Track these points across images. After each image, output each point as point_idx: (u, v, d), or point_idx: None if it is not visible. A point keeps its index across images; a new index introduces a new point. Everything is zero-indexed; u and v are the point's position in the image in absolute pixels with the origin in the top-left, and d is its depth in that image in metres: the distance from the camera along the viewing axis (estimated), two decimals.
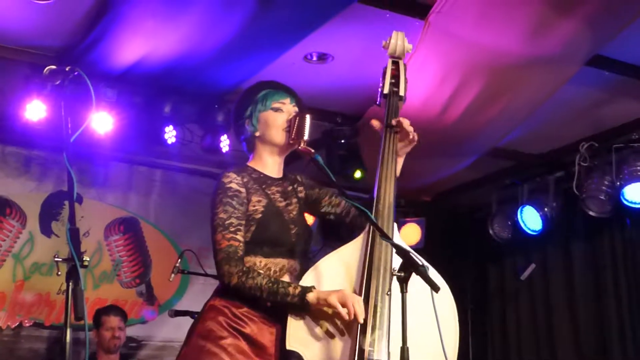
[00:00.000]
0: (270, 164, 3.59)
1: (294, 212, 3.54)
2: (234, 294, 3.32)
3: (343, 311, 3.08)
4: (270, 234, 3.40)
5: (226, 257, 3.29)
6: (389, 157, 3.53)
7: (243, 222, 3.38)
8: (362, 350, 3.09)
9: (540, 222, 7.78)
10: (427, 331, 3.10)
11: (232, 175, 3.45)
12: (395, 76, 3.75)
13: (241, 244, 3.33)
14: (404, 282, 2.87)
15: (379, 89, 3.78)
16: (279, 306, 3.28)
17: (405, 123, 3.55)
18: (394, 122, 3.58)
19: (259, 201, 3.43)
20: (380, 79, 3.80)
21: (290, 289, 3.19)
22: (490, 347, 8.95)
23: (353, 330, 3.15)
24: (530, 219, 7.84)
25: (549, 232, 7.84)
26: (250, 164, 3.60)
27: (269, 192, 3.50)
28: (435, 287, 2.84)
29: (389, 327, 3.13)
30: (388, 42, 3.82)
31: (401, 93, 3.72)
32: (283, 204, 3.52)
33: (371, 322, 3.12)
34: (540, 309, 8.35)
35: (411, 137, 3.55)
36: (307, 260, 3.52)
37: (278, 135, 3.52)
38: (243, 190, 3.43)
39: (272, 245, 3.40)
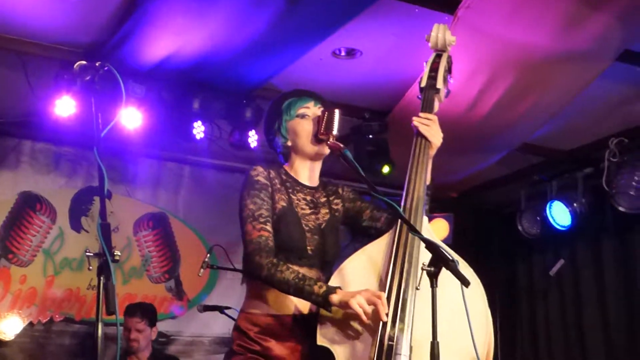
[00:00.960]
0: (303, 172, 3.61)
1: (319, 222, 3.55)
2: (245, 317, 3.42)
3: (363, 316, 3.09)
4: (281, 237, 3.41)
5: (257, 248, 3.32)
6: (420, 151, 3.52)
7: (271, 215, 3.42)
8: (383, 344, 3.11)
9: (570, 218, 7.74)
10: (455, 326, 3.10)
11: (260, 169, 3.49)
12: (435, 69, 3.73)
13: (271, 235, 3.36)
14: (433, 276, 2.86)
15: (419, 83, 3.76)
16: (290, 326, 3.36)
17: (426, 125, 3.56)
18: (422, 116, 3.58)
19: (278, 201, 3.46)
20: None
21: (316, 288, 3.19)
22: (519, 344, 8.91)
23: (378, 324, 3.16)
24: (560, 215, 7.80)
25: (578, 228, 7.79)
26: (285, 167, 3.64)
27: (293, 196, 3.52)
28: (465, 282, 2.84)
29: (412, 321, 3.13)
30: (430, 35, 3.79)
31: (438, 85, 3.68)
32: (307, 211, 3.54)
33: (392, 316, 3.14)
34: (570, 306, 8.30)
35: (431, 139, 3.54)
36: (329, 271, 3.50)
37: (307, 141, 3.53)
38: (269, 184, 3.46)
39: (285, 251, 3.41)
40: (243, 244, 3.39)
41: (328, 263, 3.49)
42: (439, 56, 3.78)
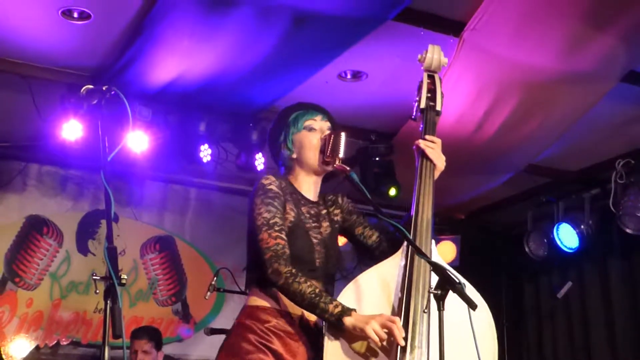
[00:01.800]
0: (306, 185, 3.59)
1: (324, 235, 3.54)
2: (254, 314, 3.37)
3: (375, 339, 3.06)
4: (293, 251, 3.37)
5: (274, 255, 3.27)
6: (426, 172, 3.51)
7: (284, 223, 3.39)
8: None
9: (577, 239, 7.72)
10: (465, 349, 3.07)
11: (272, 177, 3.47)
12: (432, 90, 3.72)
13: (286, 244, 3.32)
14: (440, 299, 2.86)
15: (415, 103, 3.75)
16: (304, 322, 3.34)
17: (436, 145, 3.56)
18: (428, 139, 3.57)
19: (289, 212, 3.44)
20: (416, 93, 3.77)
21: (330, 307, 3.15)
22: None
23: (392, 350, 3.12)
24: (567, 237, 7.78)
25: (585, 249, 7.77)
26: (290, 178, 3.61)
27: (298, 210, 3.50)
28: (472, 305, 2.82)
29: (428, 346, 3.10)
30: (424, 55, 3.77)
31: (438, 107, 3.69)
32: (311, 224, 3.52)
33: (409, 341, 3.10)
34: (577, 328, 8.27)
35: (436, 162, 3.54)
36: (333, 283, 3.51)
37: (313, 154, 3.52)
38: (281, 193, 3.44)
39: (297, 264, 3.36)
40: (259, 252, 3.32)
41: (331, 276, 3.49)
42: (431, 77, 3.77)
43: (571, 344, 8.33)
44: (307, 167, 3.56)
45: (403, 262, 3.32)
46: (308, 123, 3.56)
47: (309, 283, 3.23)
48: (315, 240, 3.48)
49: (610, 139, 6.84)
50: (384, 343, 3.12)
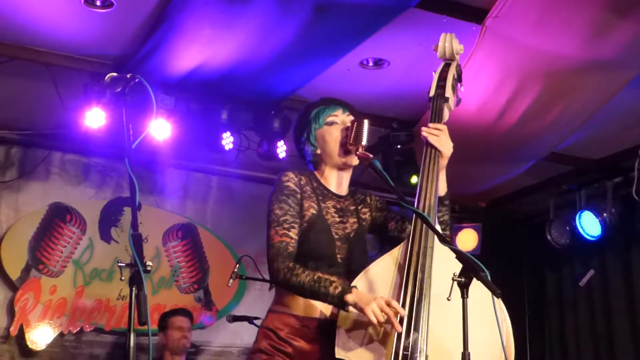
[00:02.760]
0: (333, 180, 3.62)
1: (348, 231, 3.55)
2: (275, 317, 3.43)
3: (374, 320, 3.08)
4: (312, 245, 3.42)
5: (276, 253, 3.34)
6: (429, 159, 3.51)
7: (298, 221, 3.43)
8: (398, 354, 3.11)
9: (599, 227, 7.69)
10: (478, 336, 3.04)
11: (291, 175, 3.51)
12: (444, 78, 3.71)
13: (293, 241, 3.38)
14: (464, 287, 2.86)
15: (428, 93, 3.75)
16: (318, 328, 3.37)
17: (441, 132, 3.54)
18: (431, 127, 3.57)
19: (308, 208, 3.47)
20: None
21: (331, 289, 3.20)
22: (548, 355, 8.85)
23: (393, 333, 3.16)
24: (589, 225, 7.75)
25: (608, 237, 7.75)
26: (317, 173, 3.64)
27: (323, 204, 3.53)
28: (496, 292, 2.82)
29: (427, 330, 3.14)
30: (437, 45, 3.79)
31: (447, 94, 3.66)
32: (336, 219, 3.54)
33: (406, 325, 3.14)
34: (600, 316, 8.24)
35: (441, 149, 3.52)
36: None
37: (336, 147, 3.54)
38: (299, 190, 3.48)
39: (316, 259, 3.42)
40: (266, 249, 3.41)
41: (355, 272, 3.46)
42: (447, 65, 3.77)
43: (593, 332, 8.31)
44: (330, 161, 3.58)
45: (406, 249, 3.34)
46: (330, 118, 3.58)
47: (306, 273, 3.27)
48: (337, 236, 3.50)
49: (633, 126, 6.80)
50: (387, 331, 3.17)
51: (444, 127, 3.57)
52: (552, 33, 5.13)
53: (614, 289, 8.11)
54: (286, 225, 3.38)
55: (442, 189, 3.55)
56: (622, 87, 5.72)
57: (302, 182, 3.51)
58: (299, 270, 3.28)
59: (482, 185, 7.84)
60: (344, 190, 3.65)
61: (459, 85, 3.80)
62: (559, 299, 8.84)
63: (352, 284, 3.29)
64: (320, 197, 3.53)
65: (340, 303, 3.18)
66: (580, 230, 7.79)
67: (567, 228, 8.00)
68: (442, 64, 3.79)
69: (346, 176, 3.65)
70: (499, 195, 8.69)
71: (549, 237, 8.12)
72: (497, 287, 2.83)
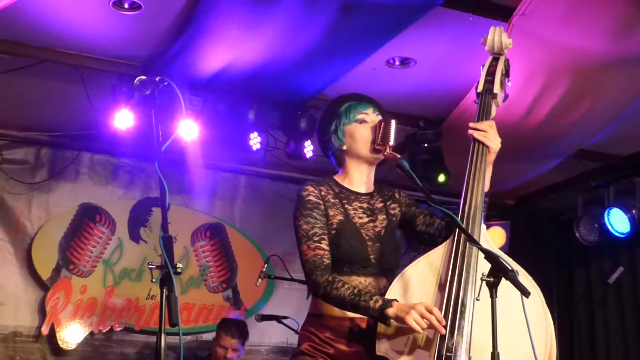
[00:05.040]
0: (358, 177, 3.60)
1: (378, 229, 3.54)
2: (316, 319, 3.44)
3: (417, 328, 3.07)
4: (344, 250, 3.42)
5: (313, 267, 3.35)
6: (477, 157, 3.48)
7: (326, 232, 3.43)
8: (442, 355, 3.10)
9: (628, 224, 7.65)
10: (515, 334, 3.05)
11: (310, 188, 3.50)
12: (492, 73, 3.67)
13: (327, 253, 3.38)
14: (493, 287, 2.86)
15: (475, 88, 3.71)
16: (359, 330, 3.37)
17: (482, 130, 3.51)
18: (476, 126, 3.53)
19: (334, 216, 3.47)
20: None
21: (371, 303, 3.19)
22: (577, 352, 8.81)
23: (436, 336, 3.15)
24: (618, 222, 7.71)
25: (637, 234, 7.70)
26: (337, 177, 3.63)
27: (349, 207, 3.52)
28: (525, 292, 2.82)
29: (470, 332, 3.12)
30: (486, 38, 3.74)
31: (495, 90, 3.62)
32: (365, 220, 3.54)
33: (450, 326, 3.12)
34: (630, 314, 8.19)
35: (489, 144, 3.49)
36: (392, 277, 3.46)
37: (364, 147, 3.52)
38: (321, 202, 3.47)
39: (349, 263, 3.43)
40: (301, 264, 3.43)
41: (390, 270, 3.48)
42: (495, 59, 3.72)
43: (623, 329, 8.26)
44: (357, 157, 3.57)
45: (450, 248, 3.32)
46: (360, 116, 3.57)
47: (346, 286, 3.27)
48: (367, 237, 3.50)
49: None
50: (429, 332, 3.15)
51: (492, 123, 3.54)
52: (579, 30, 5.10)
53: None
54: (316, 238, 3.39)
55: (486, 186, 3.52)
56: None
57: (322, 193, 3.50)
58: (339, 283, 3.28)
59: (510, 183, 7.81)
60: (370, 187, 3.64)
61: (506, 80, 3.76)
62: (587, 296, 8.79)
63: (389, 290, 3.30)
64: (345, 201, 3.53)
65: (381, 317, 3.17)
66: (609, 227, 7.75)
67: (596, 225, 7.96)
68: (490, 58, 3.75)
69: (372, 172, 3.64)
70: (526, 193, 8.67)
71: (577, 234, 8.07)
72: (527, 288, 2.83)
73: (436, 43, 5.67)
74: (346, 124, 3.57)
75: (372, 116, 3.58)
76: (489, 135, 3.49)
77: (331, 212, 3.47)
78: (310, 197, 3.47)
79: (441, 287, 3.26)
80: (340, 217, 3.47)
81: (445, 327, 3.10)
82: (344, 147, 3.58)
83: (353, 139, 3.55)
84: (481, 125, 3.53)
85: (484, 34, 3.81)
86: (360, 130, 3.55)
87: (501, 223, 8.38)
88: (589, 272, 8.78)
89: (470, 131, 3.53)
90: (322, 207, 3.47)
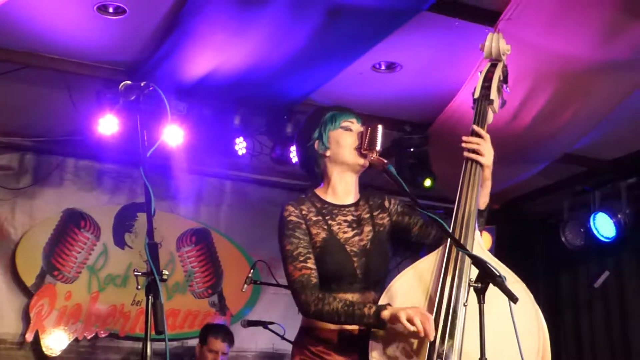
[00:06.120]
0: (341, 187, 3.57)
1: (364, 242, 3.50)
2: (308, 332, 3.43)
3: (412, 328, 3.07)
4: (330, 267, 3.41)
5: (301, 287, 3.34)
6: (471, 175, 3.44)
7: (311, 250, 3.42)
8: None
9: (614, 228, 7.65)
10: (507, 339, 3.01)
11: (290, 208, 3.49)
12: (489, 79, 3.65)
13: (313, 271, 3.37)
14: (481, 293, 2.85)
15: (472, 94, 3.69)
16: (351, 341, 3.34)
17: (474, 141, 3.46)
18: (470, 139, 3.48)
19: (318, 234, 3.45)
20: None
21: (366, 310, 3.19)
22: (563, 356, 8.81)
23: (427, 342, 3.13)
24: (604, 226, 7.71)
25: (622, 239, 7.69)
26: (318, 191, 3.61)
27: (332, 222, 3.50)
28: (513, 298, 2.81)
29: (461, 337, 3.11)
30: (484, 44, 3.73)
31: (492, 96, 3.60)
32: (350, 234, 3.51)
33: (441, 332, 3.11)
34: (615, 318, 8.20)
35: (483, 162, 3.44)
36: (381, 290, 3.45)
37: (349, 153, 3.50)
38: (302, 221, 3.46)
39: (336, 280, 3.41)
40: (288, 284, 3.43)
41: (379, 283, 3.46)
42: (493, 66, 3.71)
43: (609, 334, 8.26)
44: (340, 164, 3.54)
45: (444, 256, 3.30)
46: (346, 124, 3.55)
47: (337, 299, 3.28)
48: (352, 252, 3.47)
49: None
50: (420, 339, 3.14)
51: (486, 136, 3.48)
52: (565, 35, 5.11)
53: (629, 291, 8.06)
54: (301, 258, 3.38)
55: (483, 202, 3.48)
56: (636, 88, 5.69)
57: (303, 212, 3.48)
58: (330, 298, 3.28)
59: (496, 187, 7.69)
60: (355, 196, 3.61)
61: (504, 86, 3.75)
62: (573, 300, 8.79)
63: (382, 300, 3.29)
64: (328, 217, 3.51)
65: (376, 321, 3.17)
66: (595, 231, 7.75)
67: (582, 229, 7.96)
68: (488, 64, 3.74)
69: (355, 180, 3.60)
70: (512, 197, 8.66)
71: (563, 239, 8.08)
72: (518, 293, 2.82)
73: (422, 48, 5.67)
74: (331, 130, 3.55)
75: (356, 126, 3.57)
76: (482, 150, 3.44)
77: (314, 231, 3.45)
78: (291, 218, 3.46)
79: (430, 297, 3.25)
80: (323, 235, 3.46)
81: (436, 329, 3.10)
82: (328, 153, 3.55)
83: (338, 145, 3.53)
84: (473, 139, 3.47)
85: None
86: (346, 137, 3.53)
87: (487, 227, 8.36)
88: (575, 276, 8.78)
89: (463, 144, 3.47)
90: (304, 226, 3.45)
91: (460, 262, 3.23)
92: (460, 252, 3.22)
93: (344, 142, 3.52)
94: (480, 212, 3.45)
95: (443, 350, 3.09)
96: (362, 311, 3.19)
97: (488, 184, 3.50)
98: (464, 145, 3.48)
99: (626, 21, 4.92)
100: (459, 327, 3.12)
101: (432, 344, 3.10)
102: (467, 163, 3.47)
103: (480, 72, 3.71)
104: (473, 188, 3.41)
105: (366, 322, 3.21)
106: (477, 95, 3.64)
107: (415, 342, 3.17)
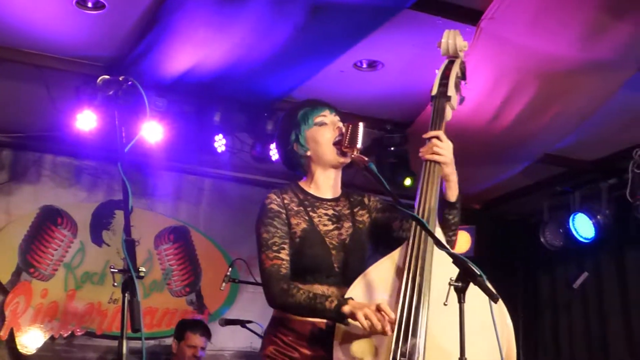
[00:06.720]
0: (323, 182, 3.58)
1: (343, 237, 3.50)
2: (280, 323, 3.42)
3: (365, 324, 3.07)
4: (308, 259, 3.41)
5: (269, 277, 3.35)
6: (430, 175, 3.42)
7: (287, 241, 3.41)
8: (396, 359, 3.08)
9: (593, 229, 7.65)
10: (479, 342, 3.03)
11: (273, 196, 3.49)
12: (447, 76, 3.64)
13: (285, 262, 3.37)
14: (461, 292, 2.83)
15: (430, 91, 3.67)
16: (322, 332, 3.33)
17: (432, 143, 3.44)
18: (424, 136, 3.49)
19: (298, 224, 3.45)
20: None
21: (327, 304, 3.19)
22: (541, 356, 8.83)
23: (391, 341, 3.12)
24: (583, 227, 7.72)
25: (602, 240, 7.70)
26: (302, 183, 3.61)
27: (313, 214, 3.50)
28: (494, 297, 2.80)
29: (425, 337, 3.11)
30: (441, 42, 3.73)
31: (449, 93, 3.58)
32: (330, 227, 3.51)
33: (404, 331, 3.11)
34: (594, 319, 8.22)
35: (441, 160, 3.41)
36: None
37: (329, 148, 3.50)
38: (283, 211, 3.46)
39: (313, 272, 3.41)
40: (260, 273, 3.43)
41: (353, 280, 3.42)
42: (451, 62, 3.70)
43: (587, 334, 8.29)
44: (322, 162, 3.54)
45: (406, 253, 3.29)
46: (319, 119, 3.54)
47: (302, 291, 3.27)
48: (331, 245, 3.47)
49: (628, 128, 6.77)
50: (384, 337, 3.14)
51: (439, 133, 3.45)
52: (547, 34, 5.10)
53: (607, 291, 8.09)
54: (275, 248, 3.37)
55: (453, 195, 3.47)
56: (618, 88, 5.70)
57: (285, 201, 3.48)
58: (294, 290, 3.27)
59: (476, 187, 7.81)
60: (337, 191, 3.61)
61: (463, 83, 3.74)
62: (552, 301, 8.82)
63: (351, 289, 3.28)
64: (309, 209, 3.51)
65: (337, 316, 3.16)
66: (574, 232, 7.76)
67: (561, 230, 7.97)
68: (446, 61, 3.73)
69: (338, 176, 3.60)
70: (492, 197, 8.68)
71: (542, 239, 8.09)
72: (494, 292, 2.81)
73: (404, 46, 5.66)
74: (306, 130, 3.54)
75: (330, 117, 3.56)
76: (439, 150, 3.41)
77: (294, 221, 3.45)
78: (272, 206, 3.45)
79: (400, 289, 3.24)
80: (304, 225, 3.45)
81: (399, 328, 3.10)
82: (308, 154, 3.55)
83: (316, 143, 3.53)
84: (429, 145, 3.44)
85: None
86: (322, 132, 3.52)
87: (466, 227, 8.36)
88: (554, 277, 8.80)
89: (423, 156, 3.46)
90: (284, 215, 3.45)
91: (422, 260, 3.22)
92: (422, 250, 3.23)
93: (321, 138, 3.52)
94: (452, 204, 3.47)
95: (406, 349, 3.08)
96: (323, 305, 3.18)
97: (453, 178, 3.47)
98: (420, 155, 3.46)
99: (608, 21, 4.92)
100: (422, 326, 3.12)
101: (397, 342, 3.09)
102: (425, 163, 3.45)
103: (438, 70, 3.70)
104: (432, 184, 3.38)
105: (328, 316, 3.21)
106: (434, 92, 3.62)
107: (377, 339, 3.17)
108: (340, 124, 3.53)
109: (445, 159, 3.42)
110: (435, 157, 3.41)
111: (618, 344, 7.88)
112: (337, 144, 3.48)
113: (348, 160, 3.49)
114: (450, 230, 3.49)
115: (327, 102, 3.64)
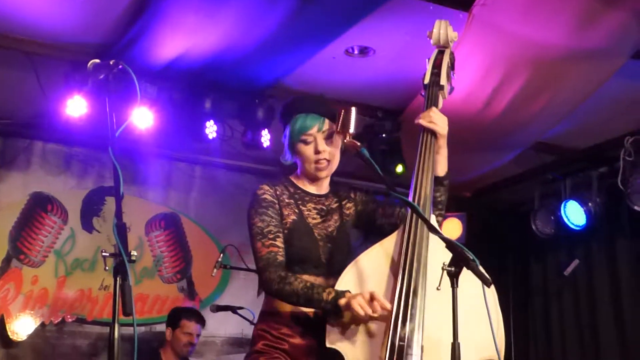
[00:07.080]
0: (312, 182, 3.62)
1: (331, 229, 3.55)
2: (269, 316, 3.44)
3: (360, 312, 3.09)
4: (296, 250, 3.43)
5: (265, 264, 3.36)
6: (426, 148, 3.48)
7: (281, 230, 3.44)
8: (394, 344, 3.10)
9: (584, 217, 7.66)
10: (467, 324, 3.03)
11: (265, 187, 3.52)
12: (438, 66, 3.68)
13: (280, 250, 3.39)
14: (454, 276, 2.83)
15: (422, 80, 3.71)
16: (312, 323, 3.36)
17: (426, 118, 3.50)
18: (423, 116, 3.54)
19: (288, 215, 3.49)
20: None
21: (324, 295, 3.21)
22: (532, 345, 8.86)
23: (389, 325, 3.14)
24: (574, 215, 7.73)
25: (593, 227, 7.72)
26: (293, 177, 3.65)
27: (303, 207, 3.54)
28: (487, 282, 2.82)
29: (422, 321, 3.12)
30: (431, 32, 3.76)
31: (442, 82, 3.63)
32: (318, 220, 3.55)
33: (402, 316, 3.12)
34: (584, 307, 8.23)
35: (437, 129, 3.47)
36: None
37: (309, 165, 3.54)
38: (276, 201, 3.49)
39: (301, 262, 3.44)
40: (255, 262, 3.44)
41: (339, 272, 3.42)
42: (441, 52, 3.74)
43: (578, 322, 8.30)
44: (302, 172, 3.60)
45: (402, 239, 3.32)
46: (304, 137, 3.52)
47: (299, 280, 3.29)
48: (319, 237, 3.50)
49: (619, 116, 6.78)
50: (381, 322, 3.17)
51: (434, 109, 3.53)
52: (540, 21, 5.10)
53: (598, 279, 8.09)
54: (271, 236, 3.40)
55: (442, 169, 3.54)
56: (610, 76, 5.69)
57: (277, 192, 3.52)
58: (292, 278, 3.29)
59: (468, 175, 7.81)
60: (324, 189, 3.65)
61: (452, 73, 3.77)
62: (543, 288, 8.83)
63: (342, 276, 3.30)
64: (299, 202, 3.55)
65: (333, 308, 3.18)
66: (565, 219, 7.77)
67: (552, 218, 7.98)
68: (436, 51, 3.75)
69: (327, 177, 3.64)
70: (484, 185, 8.68)
71: (533, 227, 8.10)
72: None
73: (396, 32, 5.64)
74: (295, 142, 3.55)
75: (315, 134, 3.53)
76: (434, 120, 3.49)
77: (285, 212, 3.49)
78: (266, 196, 3.48)
79: (394, 275, 3.26)
80: (293, 217, 3.49)
81: (397, 313, 3.12)
82: (297, 159, 3.59)
83: (299, 157, 3.57)
84: (426, 114, 3.53)
85: None
86: (304, 149, 3.54)
87: (457, 214, 8.37)
88: (545, 264, 8.81)
89: (417, 120, 3.52)
90: (277, 206, 3.48)
91: (419, 246, 3.25)
92: (419, 235, 3.26)
93: (303, 155, 3.54)
94: (440, 180, 3.53)
95: (405, 334, 3.10)
96: (320, 295, 3.21)
97: (444, 152, 3.53)
98: (419, 122, 3.52)
99: (601, 8, 4.92)
100: (419, 310, 3.14)
101: (395, 327, 3.11)
102: (422, 139, 3.51)
103: (428, 59, 3.73)
104: (428, 171, 3.45)
105: (324, 307, 3.22)
106: (427, 81, 3.66)
107: (374, 326, 3.20)
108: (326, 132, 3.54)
109: (442, 130, 3.48)
110: (432, 126, 3.47)
111: (608, 331, 7.90)
112: (315, 162, 3.53)
113: (323, 175, 3.55)
114: (437, 210, 3.55)
115: (324, 107, 3.60)
